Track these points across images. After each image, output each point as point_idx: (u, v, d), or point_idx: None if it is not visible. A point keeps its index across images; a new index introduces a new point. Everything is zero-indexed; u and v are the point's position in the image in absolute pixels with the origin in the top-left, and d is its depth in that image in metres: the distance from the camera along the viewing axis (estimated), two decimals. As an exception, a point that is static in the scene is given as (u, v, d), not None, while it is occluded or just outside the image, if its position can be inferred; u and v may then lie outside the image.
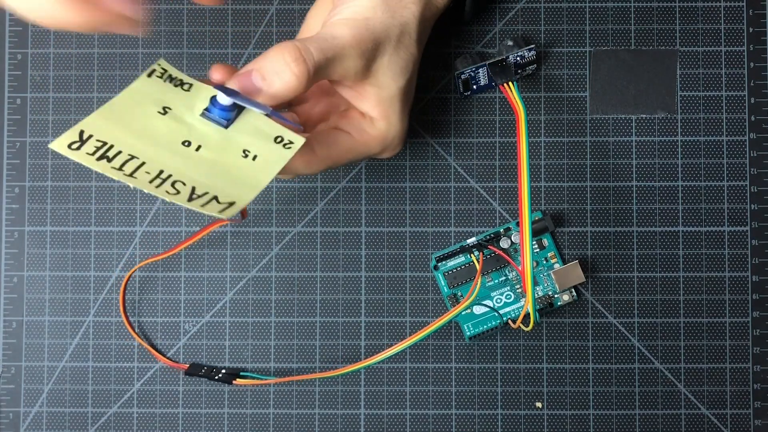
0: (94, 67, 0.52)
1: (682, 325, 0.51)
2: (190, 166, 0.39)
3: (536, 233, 0.50)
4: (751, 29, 0.51)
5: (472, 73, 0.49)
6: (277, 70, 0.39)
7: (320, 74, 0.40)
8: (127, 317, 0.51)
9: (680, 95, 0.51)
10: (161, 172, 0.38)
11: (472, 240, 0.50)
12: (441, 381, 0.51)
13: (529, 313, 0.46)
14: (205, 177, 0.38)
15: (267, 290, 0.51)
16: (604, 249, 0.51)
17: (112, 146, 0.38)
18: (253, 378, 0.49)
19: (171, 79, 0.41)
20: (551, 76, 0.51)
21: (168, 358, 0.51)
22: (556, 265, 0.50)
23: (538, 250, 0.50)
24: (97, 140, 0.38)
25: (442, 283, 0.50)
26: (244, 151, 0.40)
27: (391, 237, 0.51)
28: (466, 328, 0.50)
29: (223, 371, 0.50)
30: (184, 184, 0.38)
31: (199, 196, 0.37)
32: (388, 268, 0.51)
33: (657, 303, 0.51)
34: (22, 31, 0.52)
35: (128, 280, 0.51)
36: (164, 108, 0.40)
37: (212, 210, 0.37)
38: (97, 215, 0.52)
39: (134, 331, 0.51)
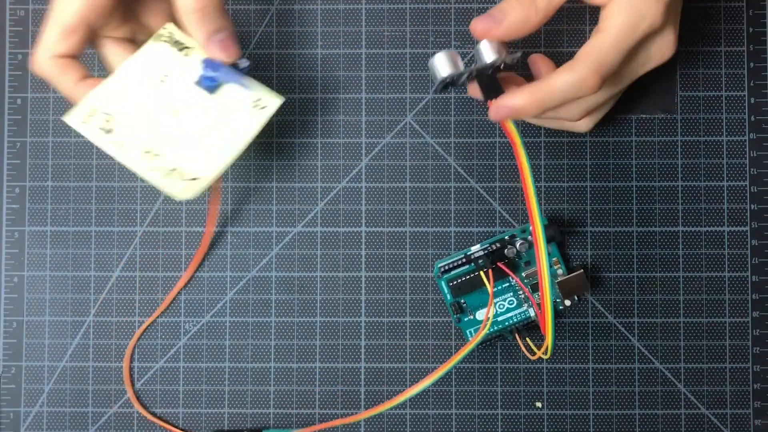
0: (94, 67, 0.52)
1: (682, 325, 0.51)
2: (172, 134, 0.43)
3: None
4: (751, 29, 0.51)
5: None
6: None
7: None
8: (144, 407, 0.51)
9: (680, 95, 0.51)
10: (148, 143, 0.43)
11: (476, 248, 0.50)
12: (441, 381, 0.51)
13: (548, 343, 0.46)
14: (182, 147, 0.43)
15: (267, 290, 0.51)
16: (604, 249, 0.51)
17: (114, 118, 0.43)
18: None
19: (175, 42, 0.45)
20: (551, 76, 0.51)
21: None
22: (560, 271, 0.50)
23: None
24: (104, 113, 0.43)
25: (446, 291, 0.50)
26: (224, 119, 0.44)
27: (391, 237, 0.51)
28: (468, 333, 0.50)
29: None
30: (163, 157, 0.43)
31: (171, 171, 0.43)
32: (388, 268, 0.51)
33: (657, 303, 0.51)
34: (23, 31, 0.52)
35: (132, 348, 0.51)
36: (164, 76, 0.44)
37: (177, 190, 0.42)
38: (97, 215, 0.52)
39: (139, 402, 0.51)
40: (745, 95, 0.51)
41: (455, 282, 0.50)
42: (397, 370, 0.51)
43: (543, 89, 0.41)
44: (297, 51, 0.52)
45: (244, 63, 0.44)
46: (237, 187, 0.51)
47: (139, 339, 0.51)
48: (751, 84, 0.51)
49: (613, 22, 0.42)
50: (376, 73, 0.52)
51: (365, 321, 0.51)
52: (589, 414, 0.50)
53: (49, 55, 0.43)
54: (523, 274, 0.50)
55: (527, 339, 0.50)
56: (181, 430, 0.51)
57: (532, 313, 0.50)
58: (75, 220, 0.52)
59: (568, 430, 0.50)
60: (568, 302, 0.50)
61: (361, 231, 0.51)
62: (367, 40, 0.52)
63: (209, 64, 0.44)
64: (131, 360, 0.51)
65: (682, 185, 0.51)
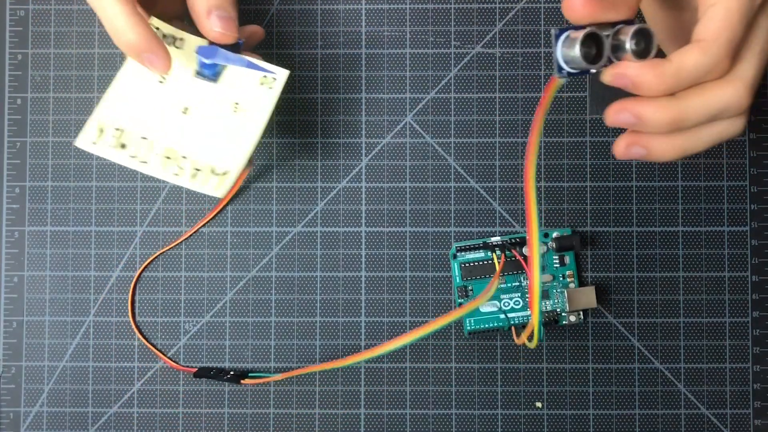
0: (94, 67, 0.52)
1: (681, 325, 0.51)
2: (191, 136, 0.43)
3: (562, 249, 0.50)
4: (751, 29, 0.51)
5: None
6: None
7: None
8: (134, 317, 0.51)
9: (680, 95, 0.51)
10: (168, 149, 0.43)
11: (496, 239, 0.50)
12: (441, 381, 0.51)
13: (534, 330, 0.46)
14: (204, 146, 0.43)
15: (267, 290, 0.51)
16: (604, 249, 0.51)
17: (125, 131, 0.42)
18: (260, 377, 0.50)
19: (164, 36, 0.44)
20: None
21: (169, 359, 0.51)
22: (572, 285, 0.50)
23: (558, 265, 0.50)
24: (114, 128, 0.42)
25: (457, 272, 0.50)
26: (235, 105, 0.43)
27: (391, 237, 0.51)
28: (467, 322, 0.50)
29: (231, 373, 0.50)
30: (187, 158, 0.43)
31: (198, 171, 0.42)
32: (388, 268, 0.51)
33: (657, 303, 0.51)
34: (23, 31, 0.52)
35: (139, 275, 0.51)
36: (163, 76, 0.44)
37: (210, 189, 0.42)
38: (97, 215, 0.52)
39: (140, 332, 0.51)
40: (745, 95, 0.51)
41: (467, 264, 0.50)
42: (396, 370, 0.51)
43: (669, 67, 0.36)
44: (297, 51, 0.52)
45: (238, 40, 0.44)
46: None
47: (144, 270, 0.51)
48: (751, 84, 0.51)
49: None
50: (376, 73, 0.52)
51: (365, 321, 0.51)
52: (589, 414, 0.50)
53: None
54: None
55: (512, 329, 0.50)
56: (180, 364, 0.51)
57: None
58: (75, 220, 0.52)
59: (568, 430, 0.50)
60: (573, 317, 0.50)
61: (361, 231, 0.51)
62: (367, 40, 0.52)
63: (204, 51, 0.43)
64: (134, 292, 0.51)
65: (682, 185, 0.51)
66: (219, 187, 0.42)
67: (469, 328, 0.50)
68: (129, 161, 0.42)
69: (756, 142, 0.51)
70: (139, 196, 0.51)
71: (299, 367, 0.51)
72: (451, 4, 0.52)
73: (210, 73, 0.43)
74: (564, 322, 0.50)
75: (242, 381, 0.49)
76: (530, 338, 0.48)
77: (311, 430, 0.51)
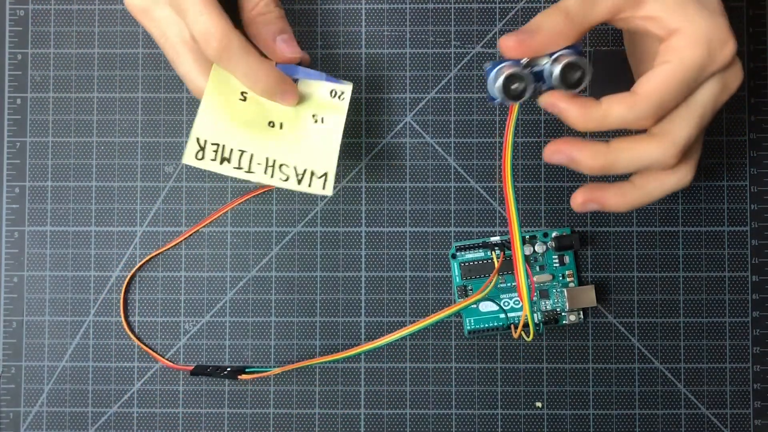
0: (94, 67, 0.52)
1: (682, 325, 0.51)
2: (283, 146, 0.45)
3: (561, 248, 0.50)
4: (751, 29, 0.51)
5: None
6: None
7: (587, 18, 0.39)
8: (126, 318, 0.51)
9: (680, 95, 0.51)
10: (267, 159, 0.45)
11: (496, 239, 0.50)
12: (441, 381, 0.51)
13: (528, 323, 0.46)
14: (298, 154, 0.45)
15: (267, 290, 0.51)
16: (604, 249, 0.51)
17: (224, 146, 0.45)
18: (257, 372, 0.50)
19: None
20: (551, 76, 0.51)
21: (168, 359, 0.51)
22: (572, 284, 0.50)
23: (557, 265, 0.50)
24: (212, 143, 0.44)
25: (456, 272, 0.50)
26: (313, 116, 0.46)
27: (391, 237, 0.51)
28: (467, 321, 0.50)
29: (229, 369, 0.50)
30: (288, 166, 0.45)
31: (302, 175, 0.45)
32: (387, 268, 0.51)
33: (657, 303, 0.51)
34: (22, 31, 0.52)
35: (135, 273, 0.51)
36: (242, 93, 0.45)
37: (318, 189, 0.45)
38: (97, 215, 0.52)
39: (133, 333, 0.51)
40: (745, 95, 0.51)
41: (467, 264, 0.50)
42: (396, 370, 0.51)
43: (596, 111, 0.39)
44: (297, 51, 0.52)
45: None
46: (237, 187, 0.51)
47: (144, 270, 0.51)
48: (751, 84, 0.51)
49: (681, 59, 0.38)
50: (376, 73, 0.52)
51: (365, 321, 0.51)
52: (589, 414, 0.50)
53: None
54: (535, 278, 0.50)
55: (512, 327, 0.50)
56: (168, 360, 0.51)
57: (536, 318, 0.50)
58: (75, 220, 0.52)
59: (568, 430, 0.50)
60: (573, 317, 0.50)
61: (361, 231, 0.51)
62: (367, 40, 0.52)
63: (284, 69, 0.45)
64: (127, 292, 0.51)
65: (682, 185, 0.51)
66: (327, 187, 0.45)
67: (469, 327, 0.50)
68: (236, 172, 0.45)
69: (756, 142, 0.51)
70: (139, 196, 0.51)
71: (299, 368, 0.51)
72: (451, 4, 0.52)
73: None
74: (564, 322, 0.50)
75: (240, 376, 0.49)
76: (528, 332, 0.48)
77: (311, 430, 0.51)
